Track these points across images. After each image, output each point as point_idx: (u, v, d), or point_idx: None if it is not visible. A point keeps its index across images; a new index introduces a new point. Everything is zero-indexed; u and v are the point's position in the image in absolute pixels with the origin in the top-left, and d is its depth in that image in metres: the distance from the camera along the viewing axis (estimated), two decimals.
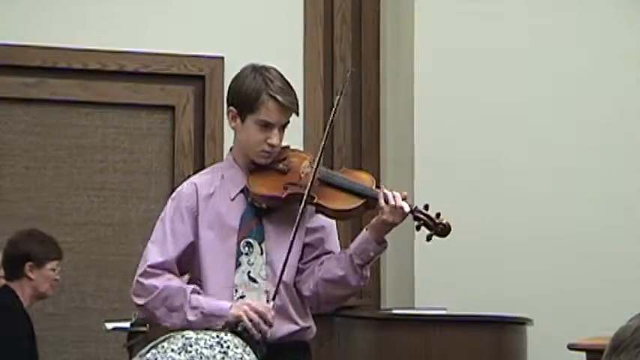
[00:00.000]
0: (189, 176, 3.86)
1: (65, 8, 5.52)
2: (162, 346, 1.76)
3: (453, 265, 5.21)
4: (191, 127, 5.65)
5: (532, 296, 5.17)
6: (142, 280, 3.33)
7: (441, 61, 5.42)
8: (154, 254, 3.34)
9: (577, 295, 5.30)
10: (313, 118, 5.64)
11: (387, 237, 3.38)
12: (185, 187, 3.45)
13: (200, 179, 3.47)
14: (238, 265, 3.34)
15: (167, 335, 1.80)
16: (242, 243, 3.35)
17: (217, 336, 1.79)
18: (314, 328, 3.46)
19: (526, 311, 4.78)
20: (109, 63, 5.56)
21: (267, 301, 3.28)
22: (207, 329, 2.07)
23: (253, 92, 3.35)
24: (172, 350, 1.75)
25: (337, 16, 5.83)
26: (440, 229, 3.37)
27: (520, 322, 4.72)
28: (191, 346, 1.75)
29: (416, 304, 5.17)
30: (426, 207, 3.38)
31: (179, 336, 1.78)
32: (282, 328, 3.34)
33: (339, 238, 3.52)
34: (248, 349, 1.80)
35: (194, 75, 5.64)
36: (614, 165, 5.49)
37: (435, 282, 5.19)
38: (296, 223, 3.29)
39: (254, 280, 3.34)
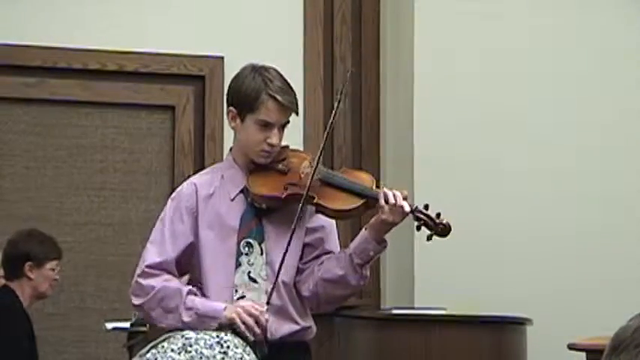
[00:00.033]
0: (189, 176, 3.86)
1: (65, 8, 5.52)
2: (162, 346, 1.76)
3: (452, 265, 5.21)
4: (191, 127, 5.65)
5: (532, 296, 5.17)
6: (140, 280, 3.33)
7: (441, 61, 5.42)
8: (152, 254, 3.34)
9: (577, 295, 5.29)
10: (313, 118, 5.64)
11: (387, 237, 3.38)
12: (185, 187, 3.44)
13: (200, 179, 3.47)
14: (238, 265, 3.34)
15: (167, 335, 1.80)
16: (242, 243, 3.35)
17: (217, 336, 1.79)
18: (314, 328, 3.46)
19: (526, 311, 4.78)
20: (109, 63, 5.56)
21: (268, 302, 3.28)
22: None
23: (253, 92, 3.35)
24: (172, 350, 1.75)
25: (337, 16, 5.83)
26: (440, 229, 3.36)
27: (520, 322, 4.72)
28: (191, 346, 1.76)
29: (416, 304, 5.16)
30: (426, 207, 3.38)
31: (179, 336, 1.78)
32: (283, 328, 3.34)
33: (339, 238, 3.52)
34: (248, 349, 1.80)
35: (194, 75, 5.64)
36: (614, 165, 5.49)
37: (435, 282, 5.19)
38: (294, 223, 3.28)
39: (254, 281, 3.34)
